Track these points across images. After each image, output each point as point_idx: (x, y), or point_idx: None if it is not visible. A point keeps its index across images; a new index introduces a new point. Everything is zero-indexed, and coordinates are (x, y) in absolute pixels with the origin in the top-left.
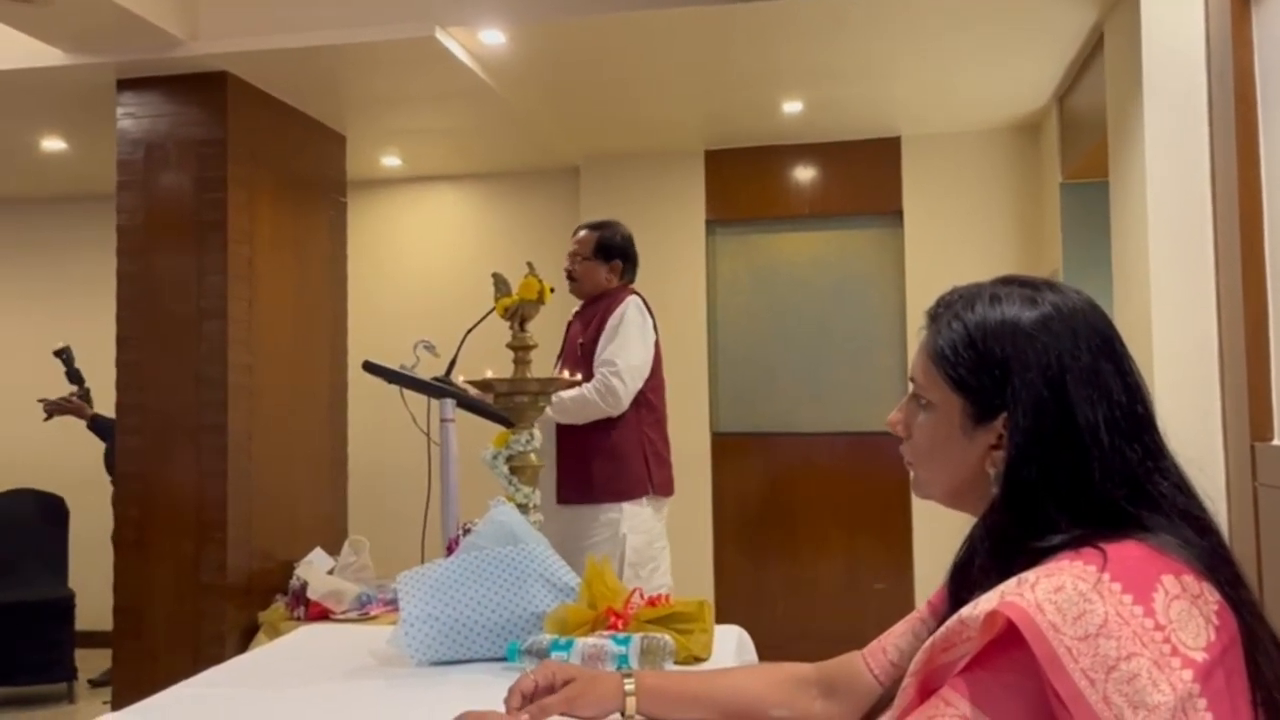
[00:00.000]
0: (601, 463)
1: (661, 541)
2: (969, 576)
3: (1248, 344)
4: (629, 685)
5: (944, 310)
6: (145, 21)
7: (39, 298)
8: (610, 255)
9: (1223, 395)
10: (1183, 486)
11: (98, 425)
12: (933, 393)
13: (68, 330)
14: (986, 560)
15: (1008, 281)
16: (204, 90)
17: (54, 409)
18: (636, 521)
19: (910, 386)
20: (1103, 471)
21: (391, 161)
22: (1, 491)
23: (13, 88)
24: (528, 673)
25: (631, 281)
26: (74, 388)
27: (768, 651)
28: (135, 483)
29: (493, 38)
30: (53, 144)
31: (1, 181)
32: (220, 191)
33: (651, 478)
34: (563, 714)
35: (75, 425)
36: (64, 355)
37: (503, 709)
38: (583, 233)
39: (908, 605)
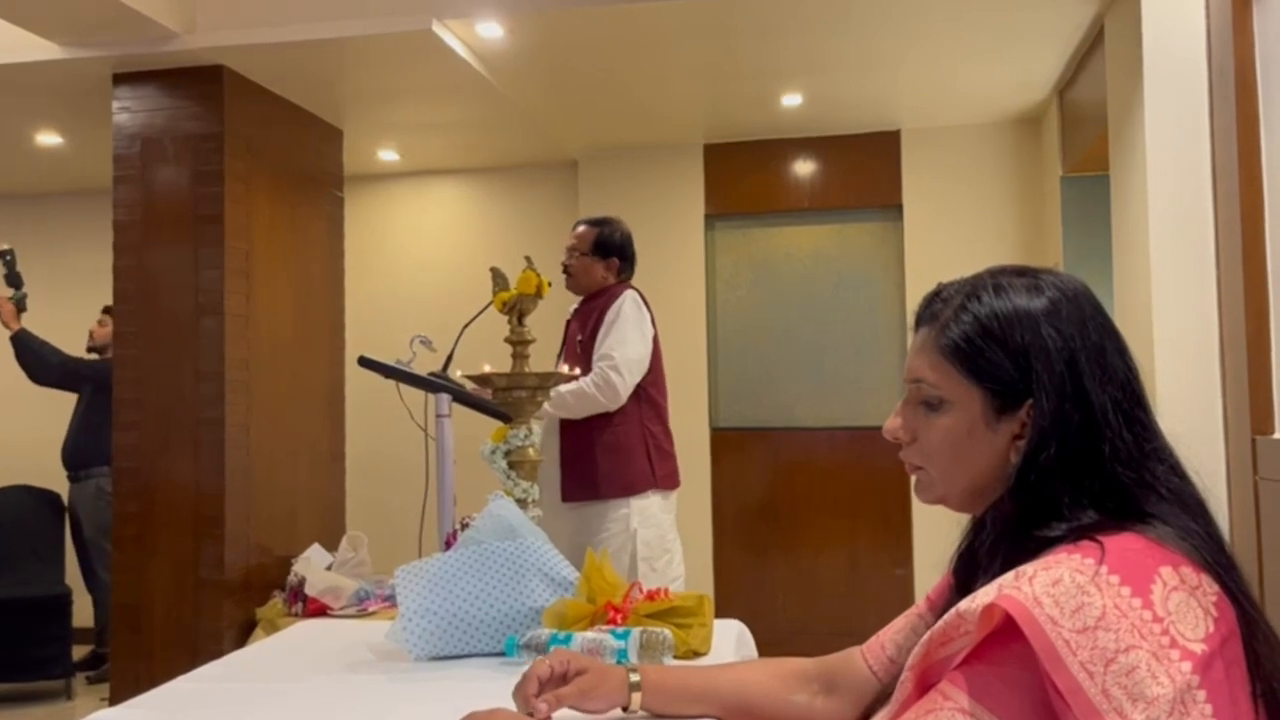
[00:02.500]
0: (604, 459)
1: (673, 533)
2: (976, 562)
3: (1249, 337)
4: (634, 679)
5: (942, 306)
6: (141, 15)
7: (35, 293)
8: (608, 253)
9: (1224, 388)
10: (1176, 468)
11: (21, 343)
12: (948, 389)
13: (66, 326)
14: (992, 546)
15: (1001, 271)
16: (200, 84)
17: None
18: (645, 515)
19: (909, 390)
20: (1111, 452)
21: (389, 155)
22: None
23: (8, 82)
24: (543, 659)
25: (629, 279)
26: (11, 290)
27: (767, 646)
28: (133, 478)
29: (490, 30)
30: (48, 138)
31: None
32: (217, 186)
33: (655, 472)
34: (572, 706)
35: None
36: (4, 257)
37: (504, 703)
38: (581, 228)
39: (907, 600)
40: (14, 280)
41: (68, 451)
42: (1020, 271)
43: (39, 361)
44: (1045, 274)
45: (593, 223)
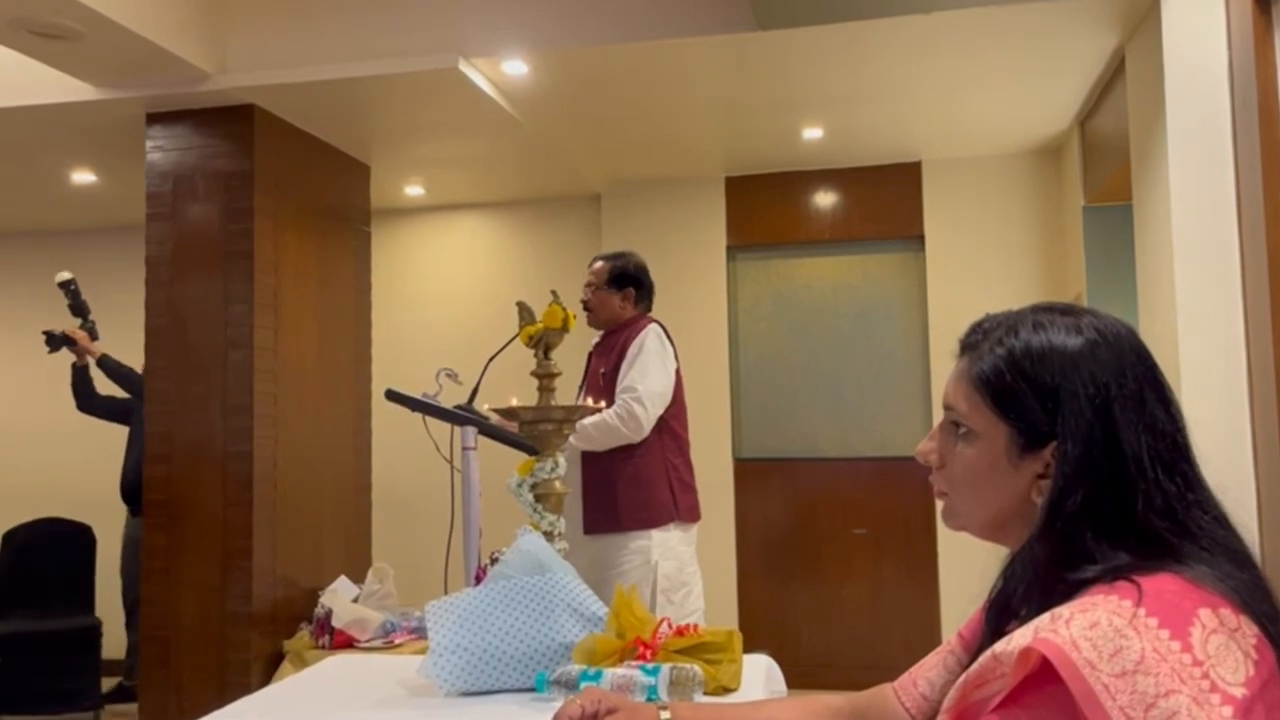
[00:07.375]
0: (627, 491)
1: (692, 566)
2: (1008, 608)
3: (1277, 365)
4: (665, 717)
5: (982, 338)
6: (174, 56)
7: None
8: (624, 284)
9: (1252, 418)
10: (1221, 519)
11: (108, 366)
12: (976, 421)
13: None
14: (1025, 592)
15: (1047, 309)
16: (231, 122)
17: (58, 342)
18: (666, 548)
19: (943, 415)
20: (1145, 502)
21: (415, 191)
22: (28, 520)
23: (44, 122)
24: (573, 699)
25: (648, 310)
26: (79, 320)
27: (793, 677)
28: (162, 511)
29: (515, 68)
30: (83, 176)
31: (33, 213)
32: (247, 222)
33: (676, 504)
34: None
35: (102, 452)
36: (69, 286)
37: None
38: (598, 264)
39: (933, 630)
40: (80, 309)
41: (128, 485)
42: (1065, 310)
43: (127, 383)
44: (1089, 315)
45: (608, 257)
